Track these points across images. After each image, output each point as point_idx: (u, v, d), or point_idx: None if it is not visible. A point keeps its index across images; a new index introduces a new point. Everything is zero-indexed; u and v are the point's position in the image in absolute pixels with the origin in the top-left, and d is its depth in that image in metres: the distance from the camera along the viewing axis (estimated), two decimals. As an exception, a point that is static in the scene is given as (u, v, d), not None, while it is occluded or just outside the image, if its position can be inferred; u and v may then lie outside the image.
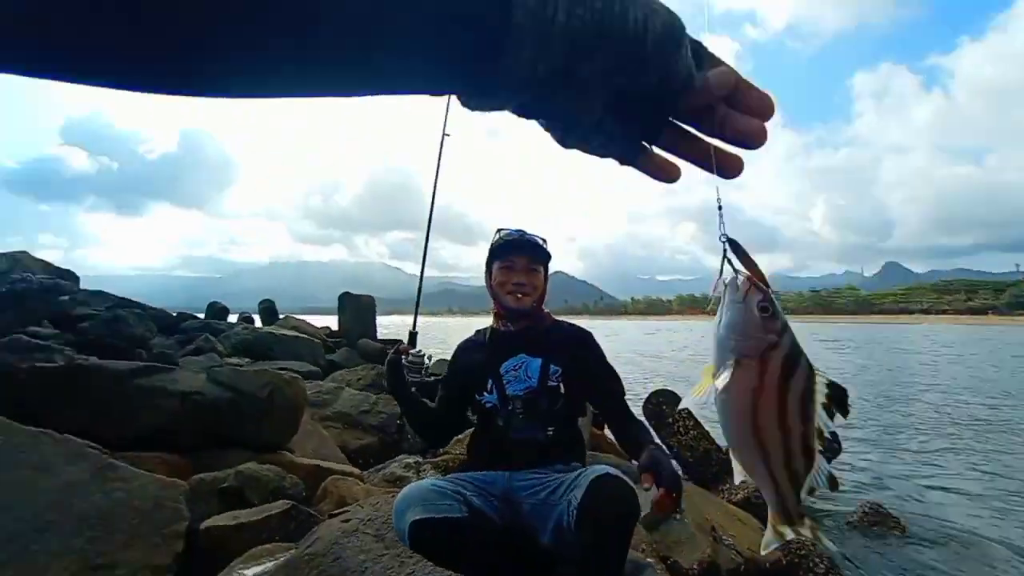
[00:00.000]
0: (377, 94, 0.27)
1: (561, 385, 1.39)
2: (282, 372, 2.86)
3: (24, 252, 6.00)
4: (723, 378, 0.51)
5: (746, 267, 0.50)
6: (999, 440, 5.71)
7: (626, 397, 1.46)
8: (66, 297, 4.31)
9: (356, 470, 3.08)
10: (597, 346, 1.49)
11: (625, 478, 1.10)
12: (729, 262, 0.50)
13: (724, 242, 0.47)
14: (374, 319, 8.52)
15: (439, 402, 1.52)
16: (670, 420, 3.89)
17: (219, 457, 2.69)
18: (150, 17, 0.21)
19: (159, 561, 1.43)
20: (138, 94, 0.24)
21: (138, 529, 1.49)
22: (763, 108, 0.30)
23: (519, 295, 1.43)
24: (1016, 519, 3.46)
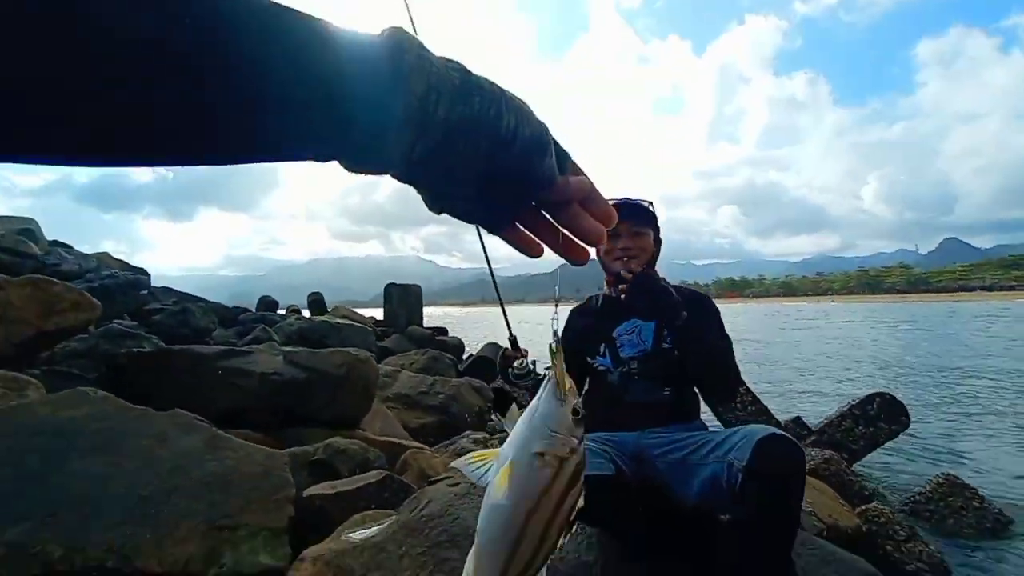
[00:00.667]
0: (258, 161, 0.29)
1: (676, 349, 1.36)
2: (355, 352, 2.94)
3: (106, 253, 6.41)
4: (522, 465, 0.52)
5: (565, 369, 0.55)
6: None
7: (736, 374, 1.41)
8: (144, 291, 4.57)
9: (425, 446, 3.15)
10: (715, 311, 1.44)
11: (792, 438, 1.06)
12: (553, 361, 0.55)
13: (554, 343, 0.54)
14: (421, 307, 8.67)
15: None
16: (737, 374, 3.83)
17: (298, 434, 2.80)
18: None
19: (275, 524, 1.50)
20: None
21: (251, 494, 1.56)
22: (606, 217, 0.37)
23: (626, 259, 1.41)
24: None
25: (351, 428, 2.91)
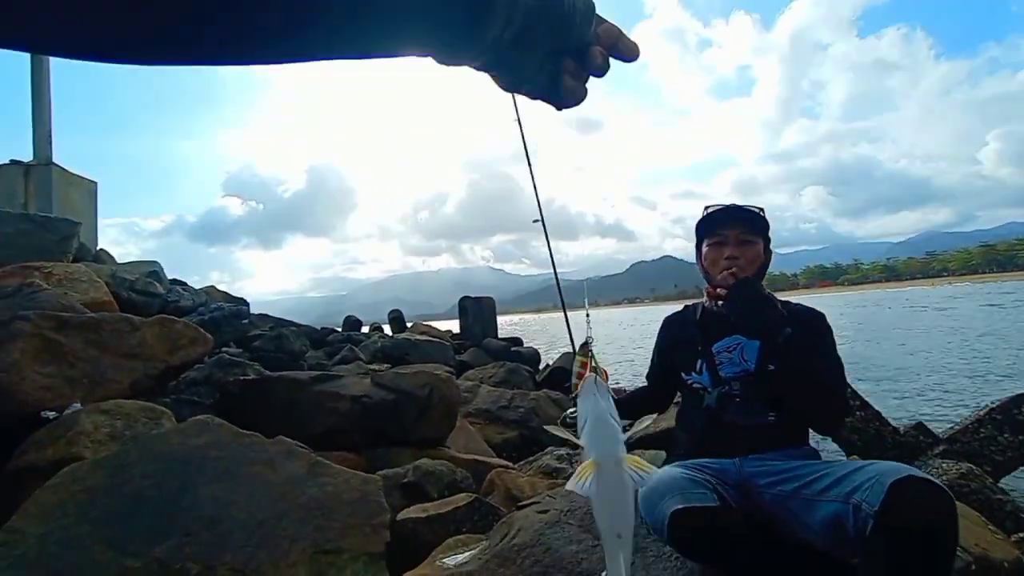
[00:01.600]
0: (362, 57, 0.32)
1: (783, 370, 1.24)
2: (436, 372, 3.02)
3: (212, 286, 7.21)
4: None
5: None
6: None
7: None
8: (246, 321, 5.04)
9: (509, 463, 3.16)
10: (828, 328, 1.31)
11: (937, 482, 0.91)
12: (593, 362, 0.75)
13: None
14: (495, 319, 8.80)
15: (649, 378, 1.46)
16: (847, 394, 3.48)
17: (386, 454, 2.93)
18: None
19: (374, 549, 1.56)
20: (150, 66, 0.28)
21: (350, 520, 1.64)
22: (632, 50, 0.41)
23: (732, 270, 1.30)
24: None
25: (437, 447, 2.99)
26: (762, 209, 1.34)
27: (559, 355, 6.82)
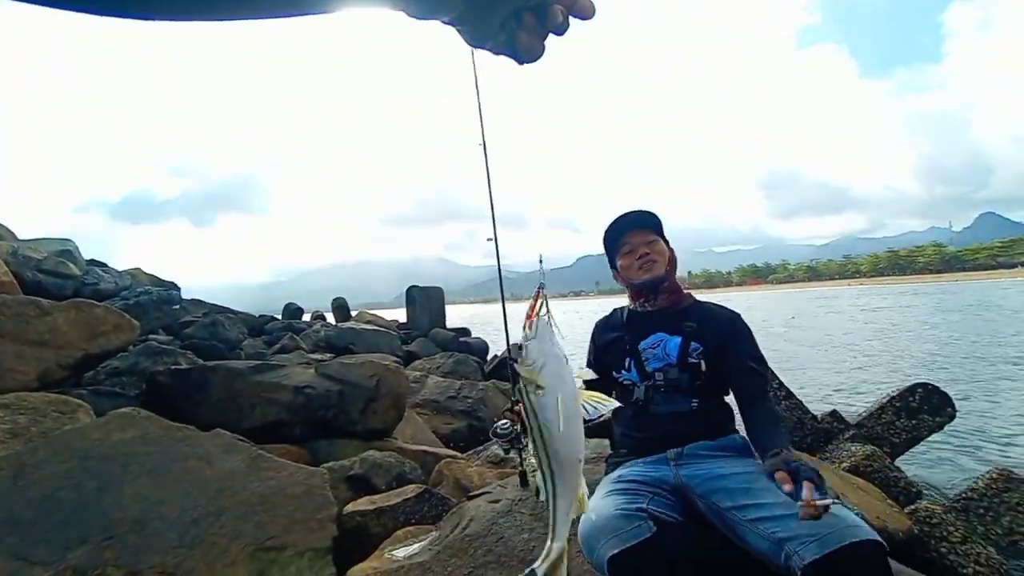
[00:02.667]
0: (334, 10, 0.33)
1: (702, 363, 1.34)
2: (383, 362, 2.96)
3: (138, 268, 6.63)
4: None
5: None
6: None
7: (768, 390, 1.38)
8: (177, 306, 4.70)
9: (458, 453, 3.17)
10: (745, 327, 1.41)
11: (882, 544, 0.92)
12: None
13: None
14: (443, 309, 8.71)
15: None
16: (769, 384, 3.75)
17: (332, 446, 2.85)
18: None
19: (319, 544, 1.52)
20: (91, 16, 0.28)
21: (295, 515, 1.59)
22: (588, 9, 0.42)
23: (647, 264, 1.41)
24: None
25: (384, 438, 2.94)
26: (652, 213, 1.47)
27: (508, 346, 6.86)
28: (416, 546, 1.51)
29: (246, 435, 2.47)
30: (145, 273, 6.93)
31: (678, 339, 1.37)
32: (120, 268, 6.81)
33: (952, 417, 3.72)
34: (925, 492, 3.16)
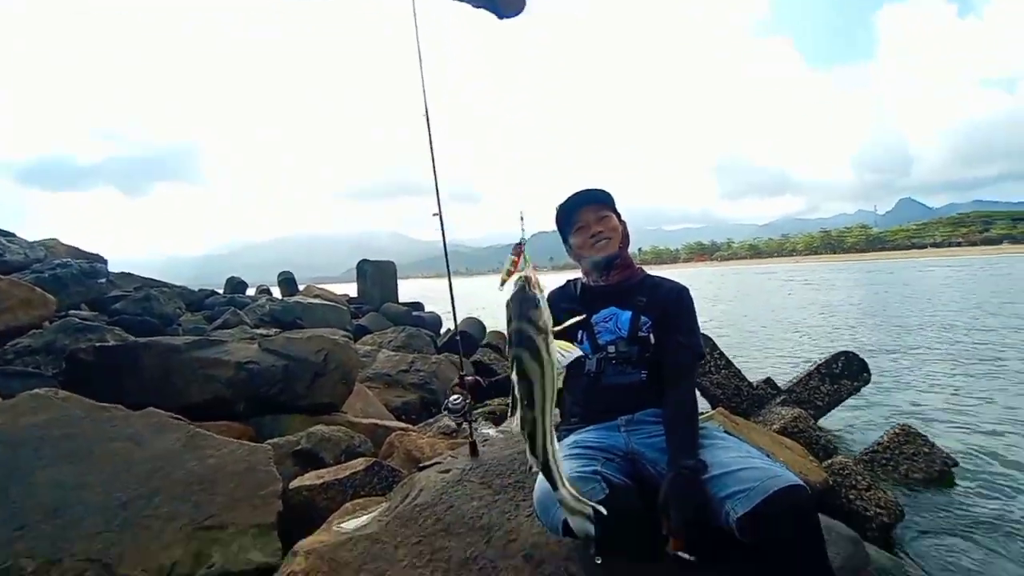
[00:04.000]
0: None
1: (651, 336, 1.39)
2: (332, 337, 2.88)
3: (55, 239, 6.01)
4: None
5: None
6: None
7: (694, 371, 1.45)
8: (102, 280, 4.34)
9: (409, 426, 3.16)
10: (688, 303, 1.46)
11: (803, 486, 1.03)
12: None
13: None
14: (395, 283, 8.54)
15: None
16: (702, 360, 3.97)
17: (277, 422, 2.76)
18: None
19: (263, 520, 1.48)
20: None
21: (236, 492, 1.54)
22: None
23: (601, 243, 1.43)
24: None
25: (332, 412, 2.88)
26: (607, 192, 1.49)
27: (461, 319, 6.87)
28: (365, 518, 1.51)
29: (183, 413, 2.34)
30: (64, 244, 6.30)
31: (629, 313, 1.41)
32: (32, 239, 6.17)
33: (867, 381, 4.10)
34: (841, 447, 3.49)
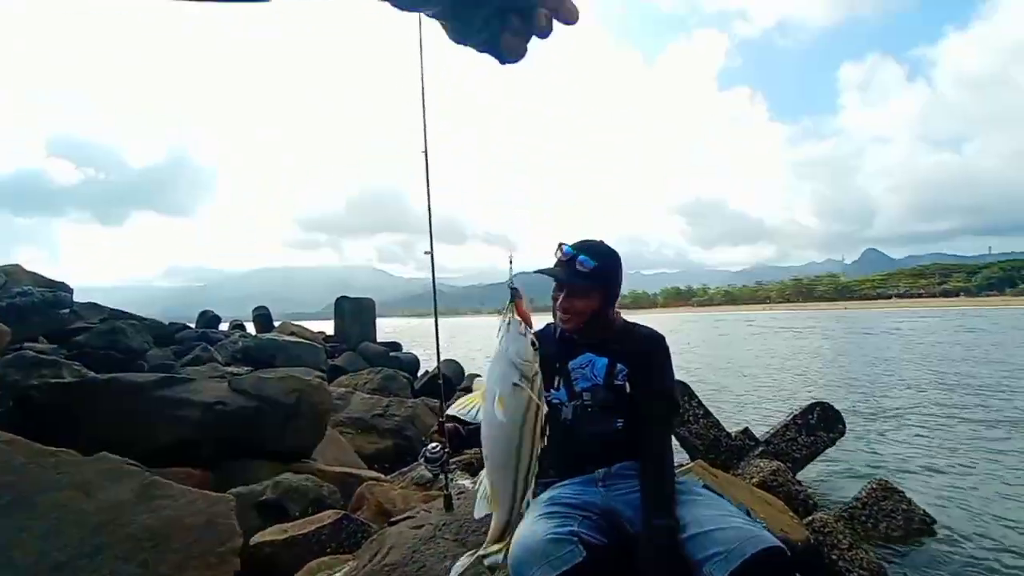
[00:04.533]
0: None
1: (627, 384, 1.37)
2: (305, 377, 2.78)
3: (17, 265, 5.77)
4: (508, 394, 0.82)
5: (520, 310, 0.85)
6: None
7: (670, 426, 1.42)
8: (66, 311, 4.16)
9: (381, 475, 3.03)
10: (664, 351, 1.45)
11: (782, 548, 1.03)
12: (513, 305, 0.86)
13: (511, 288, 0.83)
14: (374, 322, 8.40)
15: None
16: (681, 409, 3.95)
17: (243, 468, 2.61)
18: None
19: (218, 580, 1.37)
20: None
21: (192, 548, 1.43)
22: (573, 14, 0.43)
23: (563, 320, 1.42)
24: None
25: (301, 459, 2.75)
26: (601, 241, 1.43)
27: (441, 361, 6.73)
28: (330, 579, 1.41)
29: (144, 458, 2.20)
30: (26, 271, 6.05)
31: (605, 360, 1.39)
32: (-3, 264, 5.92)
33: (842, 433, 4.13)
34: (820, 503, 3.46)
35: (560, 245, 1.44)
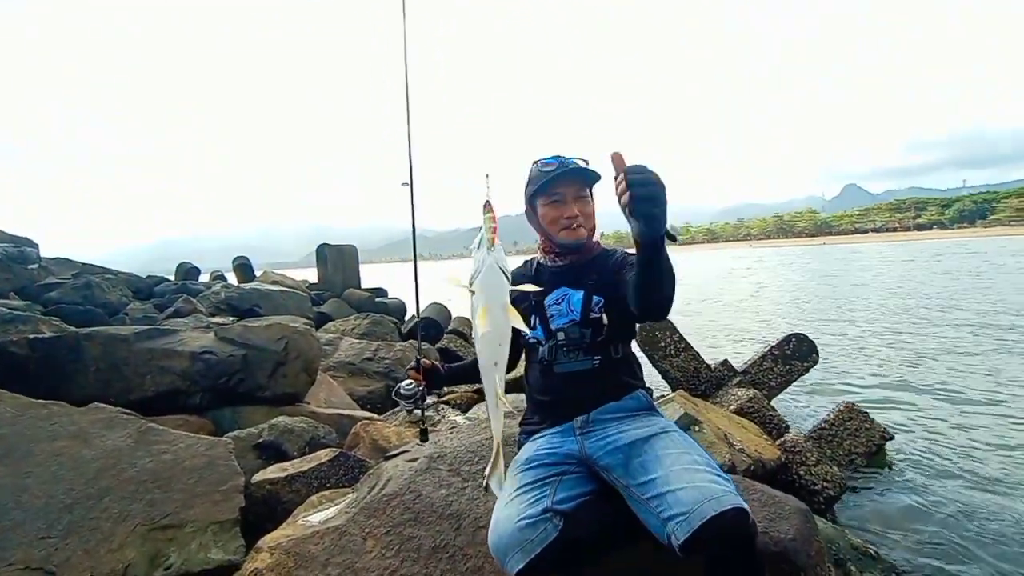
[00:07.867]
0: None
1: (604, 316, 1.33)
2: (292, 324, 2.78)
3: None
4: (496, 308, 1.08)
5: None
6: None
7: None
8: (34, 266, 4.01)
9: (375, 415, 3.12)
10: (626, 256, 1.37)
11: (743, 510, 0.99)
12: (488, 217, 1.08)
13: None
14: (358, 268, 8.32)
15: None
16: (662, 344, 4.09)
17: (237, 414, 2.67)
18: None
19: (224, 516, 1.43)
20: None
21: (195, 488, 1.47)
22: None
23: (574, 227, 1.34)
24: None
25: (295, 403, 2.81)
26: (587, 160, 1.38)
27: (427, 305, 6.78)
28: (332, 510, 1.48)
29: (135, 408, 2.22)
30: (-15, 226, 5.78)
31: (581, 293, 1.34)
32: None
33: (816, 362, 4.35)
34: (792, 425, 3.70)
35: (535, 161, 1.39)
